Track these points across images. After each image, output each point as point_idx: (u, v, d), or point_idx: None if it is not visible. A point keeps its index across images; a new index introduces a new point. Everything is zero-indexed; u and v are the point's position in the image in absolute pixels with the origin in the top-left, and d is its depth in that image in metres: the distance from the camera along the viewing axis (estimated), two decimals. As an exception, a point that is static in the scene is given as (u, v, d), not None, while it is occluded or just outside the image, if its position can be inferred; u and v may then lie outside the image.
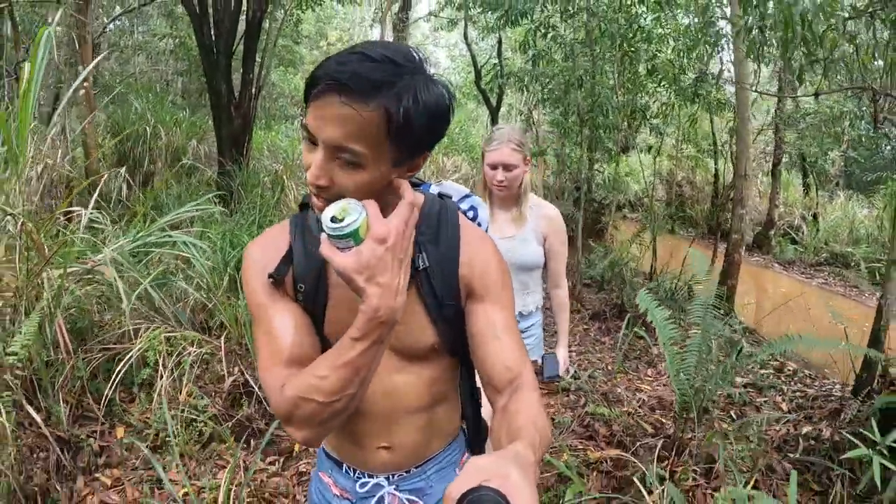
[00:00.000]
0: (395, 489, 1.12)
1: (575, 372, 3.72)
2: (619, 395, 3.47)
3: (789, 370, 4.24)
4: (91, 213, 3.12)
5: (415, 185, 1.11)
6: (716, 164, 9.42)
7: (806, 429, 2.92)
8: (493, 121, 9.30)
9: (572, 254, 5.13)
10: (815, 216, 10.07)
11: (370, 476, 1.12)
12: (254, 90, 7.27)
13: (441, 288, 0.99)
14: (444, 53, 21.83)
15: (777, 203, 9.60)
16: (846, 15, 3.48)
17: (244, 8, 6.91)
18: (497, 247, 1.05)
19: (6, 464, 2.00)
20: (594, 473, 2.60)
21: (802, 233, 9.87)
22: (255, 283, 1.01)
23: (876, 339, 3.08)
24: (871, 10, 3.39)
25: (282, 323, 1.01)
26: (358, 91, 0.77)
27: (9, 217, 2.56)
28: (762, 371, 4.06)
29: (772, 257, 9.53)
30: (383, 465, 1.11)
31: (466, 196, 1.26)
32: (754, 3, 3.56)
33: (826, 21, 3.36)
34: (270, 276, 1.00)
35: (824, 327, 4.75)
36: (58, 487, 2.22)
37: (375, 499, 1.12)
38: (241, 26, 6.96)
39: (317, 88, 0.79)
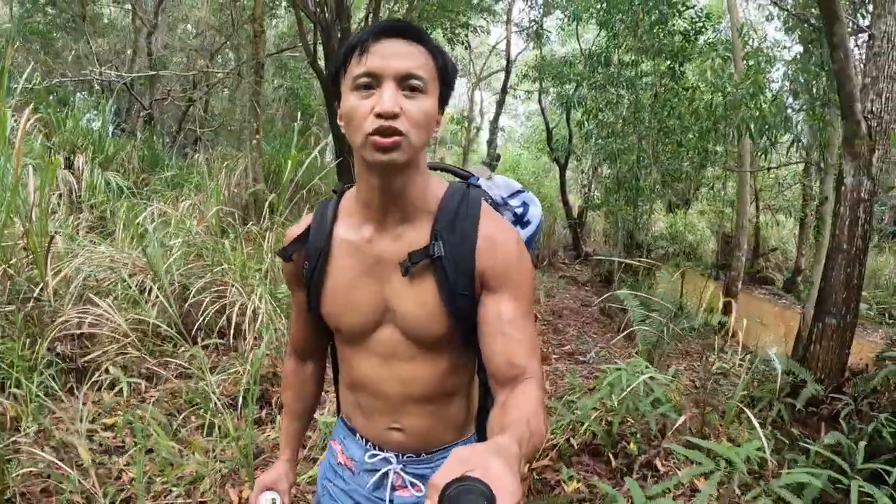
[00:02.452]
0: (401, 469, 1.17)
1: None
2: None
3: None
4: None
5: (463, 178, 1.21)
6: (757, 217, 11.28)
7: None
8: (562, 174, 11.50)
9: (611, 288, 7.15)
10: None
11: (381, 450, 1.18)
12: None
13: (455, 277, 1.02)
14: (516, 122, 24.33)
15: (803, 252, 10.92)
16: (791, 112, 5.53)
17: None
18: (520, 239, 1.07)
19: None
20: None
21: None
22: (284, 269, 1.19)
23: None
24: (803, 108, 5.43)
25: (296, 313, 1.24)
26: (415, 35, 0.96)
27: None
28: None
29: (796, 300, 10.99)
30: (394, 443, 1.16)
31: (519, 192, 1.31)
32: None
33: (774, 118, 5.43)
34: (278, 253, 1.17)
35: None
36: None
37: (380, 473, 1.18)
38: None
39: (375, 38, 0.94)
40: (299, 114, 14.82)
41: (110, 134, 8.16)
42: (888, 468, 2.61)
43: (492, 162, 7.59)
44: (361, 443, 1.21)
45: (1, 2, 12.48)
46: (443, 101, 1.01)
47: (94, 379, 2.85)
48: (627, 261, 6.93)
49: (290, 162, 4.79)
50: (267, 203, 5.11)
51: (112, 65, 10.99)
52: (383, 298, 1.07)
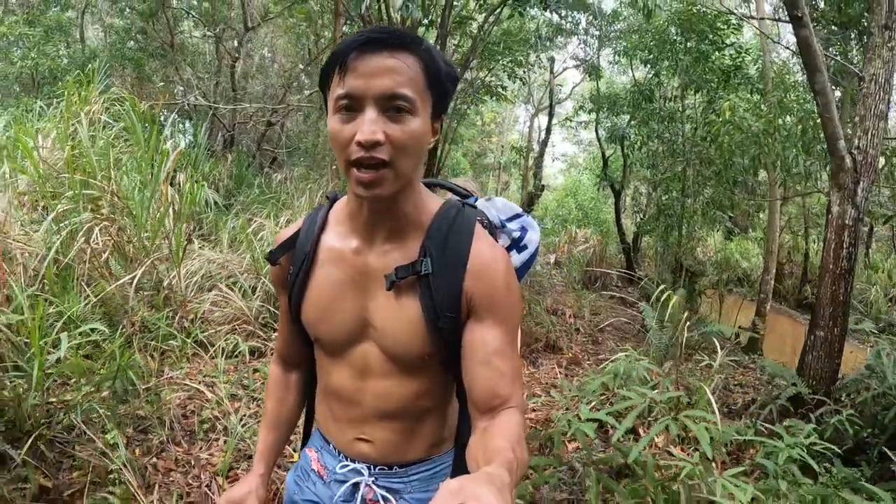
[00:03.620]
0: (373, 481, 1.18)
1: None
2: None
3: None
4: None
5: (461, 196, 1.25)
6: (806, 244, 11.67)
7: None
8: (617, 201, 12.20)
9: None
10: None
11: (352, 461, 1.19)
12: (436, 171, 10.90)
13: (441, 297, 1.01)
14: (579, 148, 25.08)
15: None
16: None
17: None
18: (511, 265, 1.06)
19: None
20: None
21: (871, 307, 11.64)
22: (271, 272, 1.21)
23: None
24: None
25: (282, 319, 1.26)
26: (400, 44, 0.91)
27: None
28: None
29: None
30: (362, 455, 1.18)
31: (518, 215, 1.34)
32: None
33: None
34: (266, 256, 1.20)
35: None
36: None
37: (350, 483, 1.20)
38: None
39: (355, 54, 0.90)
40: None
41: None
42: (833, 447, 3.29)
43: (536, 192, 8.42)
44: (335, 453, 1.22)
45: (97, 28, 14.15)
46: (438, 109, 0.99)
47: (215, 348, 3.89)
48: (638, 282, 7.60)
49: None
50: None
51: (200, 91, 12.46)
52: (364, 313, 1.09)
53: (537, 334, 6.55)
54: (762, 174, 8.54)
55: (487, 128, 21.07)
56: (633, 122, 9.25)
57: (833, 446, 3.16)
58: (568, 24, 9.96)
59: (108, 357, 3.08)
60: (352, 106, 0.91)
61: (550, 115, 12.85)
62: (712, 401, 3.32)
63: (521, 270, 1.32)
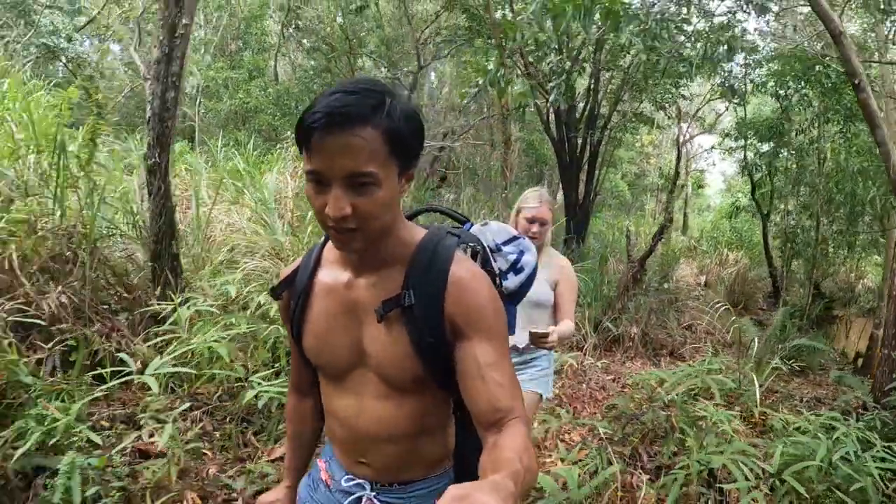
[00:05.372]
0: (375, 496, 1.29)
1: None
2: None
3: None
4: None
5: (459, 223, 1.39)
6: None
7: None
8: (764, 225, 12.84)
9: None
10: None
11: (356, 476, 1.30)
12: (593, 194, 12.35)
13: (425, 325, 1.12)
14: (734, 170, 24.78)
15: None
16: None
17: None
18: (490, 284, 1.16)
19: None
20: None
21: None
22: (278, 307, 1.34)
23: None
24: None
25: (292, 351, 1.37)
26: (358, 119, 0.97)
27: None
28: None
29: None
30: (364, 475, 1.29)
31: (514, 238, 1.41)
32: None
33: None
34: (269, 292, 1.30)
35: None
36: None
37: (353, 497, 1.30)
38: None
39: (317, 133, 0.98)
40: (534, 159, 17.71)
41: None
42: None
43: (665, 223, 9.48)
44: (341, 465, 1.34)
45: (287, 66, 16.65)
46: (406, 165, 1.08)
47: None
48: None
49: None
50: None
51: None
52: (359, 341, 1.19)
53: (664, 342, 7.77)
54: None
55: (645, 149, 21.97)
56: (769, 150, 10.13)
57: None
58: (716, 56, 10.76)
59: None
60: (320, 181, 1.01)
61: (677, 164, 13.66)
62: (757, 388, 4.66)
63: (519, 292, 1.41)
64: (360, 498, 1.31)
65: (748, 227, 15.92)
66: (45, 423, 2.32)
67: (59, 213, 3.77)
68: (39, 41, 10.75)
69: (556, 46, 7.32)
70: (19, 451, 2.24)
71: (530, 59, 8.50)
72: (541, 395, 2.89)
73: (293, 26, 13.94)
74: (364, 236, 1.06)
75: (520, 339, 2.71)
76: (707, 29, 7.85)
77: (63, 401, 2.63)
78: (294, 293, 1.27)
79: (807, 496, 2.97)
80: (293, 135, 1.06)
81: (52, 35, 10.84)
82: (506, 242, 1.39)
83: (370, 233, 1.06)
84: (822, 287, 10.42)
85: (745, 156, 13.15)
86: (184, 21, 4.07)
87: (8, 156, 4.14)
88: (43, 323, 3.12)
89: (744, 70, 10.93)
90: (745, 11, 8.83)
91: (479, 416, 1.09)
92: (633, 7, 4.45)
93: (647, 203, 23.94)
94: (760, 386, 5.20)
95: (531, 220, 2.76)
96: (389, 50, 14.92)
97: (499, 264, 1.36)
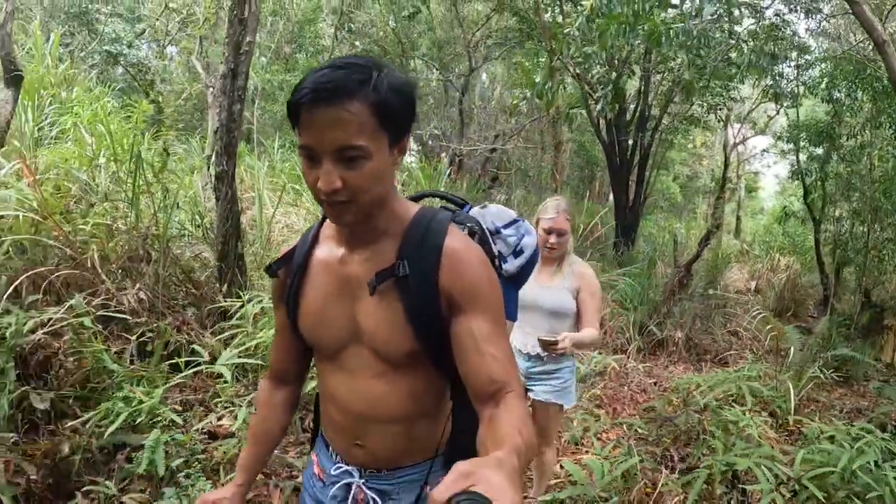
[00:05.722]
0: (363, 483, 1.29)
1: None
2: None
3: None
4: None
5: (458, 205, 1.40)
6: None
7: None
8: (816, 230, 12.64)
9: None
10: None
11: (346, 463, 1.31)
12: (643, 197, 12.35)
13: (420, 296, 1.13)
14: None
15: None
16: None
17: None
18: (485, 257, 1.19)
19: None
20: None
21: None
22: (271, 286, 1.32)
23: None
24: None
25: (277, 337, 1.38)
26: (345, 93, 1.00)
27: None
28: None
29: None
30: (357, 459, 1.29)
31: (515, 221, 1.41)
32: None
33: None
34: (265, 269, 1.31)
35: None
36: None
37: (341, 485, 1.31)
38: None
39: (305, 108, 1.01)
40: (585, 161, 17.74)
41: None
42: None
43: (712, 229, 9.46)
44: (332, 456, 1.34)
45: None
46: (398, 136, 1.09)
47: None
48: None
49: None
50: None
51: (436, 119, 14.86)
52: (353, 317, 1.21)
53: (708, 347, 7.86)
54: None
55: (698, 151, 21.70)
56: (821, 154, 10.03)
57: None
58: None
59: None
60: (311, 156, 1.04)
61: (725, 169, 13.52)
62: (792, 396, 4.77)
63: (520, 274, 1.41)
64: (349, 485, 1.32)
65: (801, 232, 15.62)
66: (132, 405, 2.67)
67: (134, 216, 4.18)
68: (103, 49, 11.37)
69: (603, 59, 7.47)
70: (110, 429, 2.59)
71: (577, 72, 8.68)
72: (561, 406, 2.94)
73: (346, 29, 14.36)
74: (356, 208, 1.08)
75: (537, 347, 2.77)
76: (758, 29, 7.85)
77: (143, 386, 3.00)
78: (290, 271, 1.28)
79: (824, 502, 3.11)
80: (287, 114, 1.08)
81: (115, 42, 11.48)
82: (506, 226, 1.39)
83: (362, 205, 1.08)
84: (872, 295, 10.25)
85: (797, 159, 12.97)
86: (247, 39, 4.43)
87: (87, 164, 4.58)
88: (127, 317, 3.50)
89: (795, 71, 10.80)
90: (794, 11, 8.77)
91: (476, 389, 1.11)
92: (676, 26, 4.57)
93: (699, 206, 23.65)
94: (797, 394, 5.30)
95: (549, 231, 2.79)
96: (441, 52, 15.14)
97: (499, 247, 1.37)
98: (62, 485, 2.55)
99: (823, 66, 9.68)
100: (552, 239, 2.78)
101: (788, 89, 10.69)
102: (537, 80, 5.31)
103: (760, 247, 17.29)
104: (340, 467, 1.32)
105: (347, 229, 1.19)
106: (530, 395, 2.95)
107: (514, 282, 1.41)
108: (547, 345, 2.60)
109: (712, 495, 3.43)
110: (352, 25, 14.60)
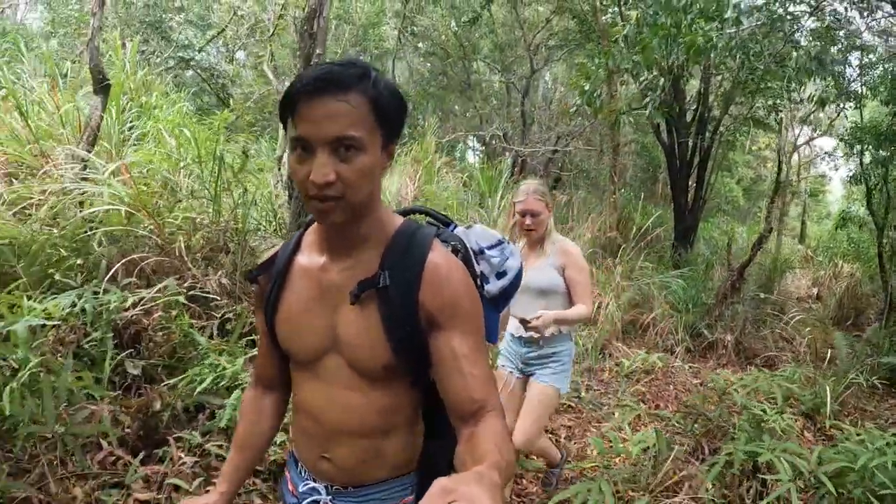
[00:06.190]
0: (330, 500, 1.28)
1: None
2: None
3: None
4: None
5: (444, 224, 1.36)
6: None
7: None
8: (879, 236, 12.39)
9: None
10: None
11: (314, 480, 1.30)
12: (702, 200, 12.33)
13: (399, 308, 1.12)
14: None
15: None
16: None
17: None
18: (467, 275, 1.19)
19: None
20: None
21: None
22: (254, 292, 1.37)
23: None
24: None
25: (260, 343, 1.35)
26: (345, 85, 1.02)
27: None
28: None
29: None
30: (324, 473, 1.28)
31: (499, 242, 1.40)
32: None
33: None
34: (244, 275, 1.55)
35: None
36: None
37: (309, 502, 1.30)
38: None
39: (304, 99, 1.02)
40: (647, 161, 17.63)
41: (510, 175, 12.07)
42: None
43: (763, 234, 9.45)
44: (301, 473, 1.34)
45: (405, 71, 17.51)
46: (389, 137, 1.11)
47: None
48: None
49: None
50: (620, 248, 8.41)
51: (499, 119, 15.10)
52: (333, 325, 1.20)
53: (757, 351, 7.91)
54: None
55: (762, 153, 21.25)
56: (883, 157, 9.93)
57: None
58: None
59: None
60: (306, 147, 1.04)
61: (778, 173, 13.29)
62: (829, 399, 4.95)
63: (503, 296, 1.38)
64: (316, 502, 1.31)
65: (865, 239, 15.23)
66: (217, 371, 3.14)
67: (215, 212, 4.70)
68: (176, 55, 12.18)
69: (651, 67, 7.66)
70: (199, 388, 3.07)
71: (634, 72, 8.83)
72: (558, 390, 2.99)
73: (409, 32, 14.82)
74: (345, 206, 1.08)
75: (520, 328, 2.86)
76: (821, 28, 7.80)
77: (225, 357, 3.47)
78: (271, 277, 1.28)
79: (835, 495, 3.32)
80: (278, 112, 1.11)
81: (187, 48, 12.27)
82: (491, 247, 1.38)
83: (351, 203, 1.08)
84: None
85: (860, 162, 12.71)
86: (317, 51, 4.90)
87: (173, 165, 5.13)
88: (215, 297, 3.97)
89: (857, 71, 10.62)
90: (857, 8, 8.61)
91: (455, 407, 1.12)
92: (719, 34, 4.77)
93: (763, 209, 23.14)
94: (837, 399, 5.43)
95: (522, 213, 2.90)
96: (503, 54, 15.44)
97: (482, 267, 1.36)
98: (150, 436, 2.98)
99: (888, 65, 9.56)
100: (527, 220, 2.90)
101: (851, 90, 10.51)
102: (586, 88, 5.57)
103: (824, 253, 16.91)
104: (308, 483, 1.32)
105: (332, 232, 1.19)
106: (531, 378, 3.07)
107: (495, 304, 1.40)
108: (525, 323, 2.70)
109: (734, 484, 3.69)
110: (414, 28, 15.04)
